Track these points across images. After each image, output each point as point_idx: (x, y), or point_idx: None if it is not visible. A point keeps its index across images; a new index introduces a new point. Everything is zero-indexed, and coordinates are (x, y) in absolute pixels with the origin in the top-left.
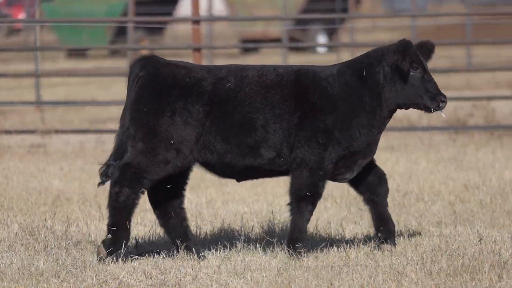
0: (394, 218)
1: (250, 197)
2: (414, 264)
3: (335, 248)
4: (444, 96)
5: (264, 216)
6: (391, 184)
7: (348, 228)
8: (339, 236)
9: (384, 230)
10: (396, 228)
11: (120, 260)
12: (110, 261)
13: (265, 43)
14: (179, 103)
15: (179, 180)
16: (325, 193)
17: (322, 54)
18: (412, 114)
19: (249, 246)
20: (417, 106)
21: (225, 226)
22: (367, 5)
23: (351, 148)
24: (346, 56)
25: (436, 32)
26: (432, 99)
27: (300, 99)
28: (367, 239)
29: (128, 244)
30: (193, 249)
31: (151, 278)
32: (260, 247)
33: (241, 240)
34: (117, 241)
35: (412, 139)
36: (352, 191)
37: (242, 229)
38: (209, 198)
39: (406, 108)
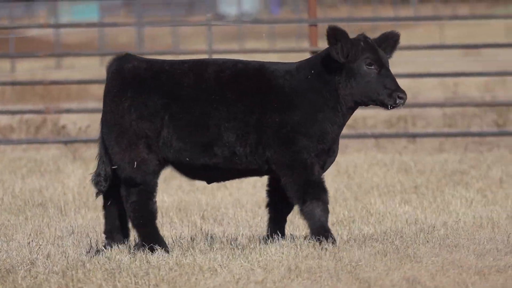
0: None
1: None
2: None
3: None
4: (402, 92)
5: None
6: None
7: None
8: None
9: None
10: None
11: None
12: None
13: None
14: (138, 98)
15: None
16: None
17: None
18: None
19: None
20: (374, 102)
21: None
22: None
23: (325, 141)
24: None
25: None
26: (389, 95)
27: (256, 98)
28: None
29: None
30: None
31: None
32: None
33: None
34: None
35: None
36: None
37: None
38: None
39: (366, 105)
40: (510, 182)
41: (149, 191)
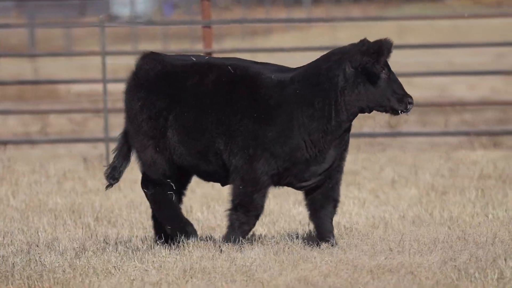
0: None
1: None
2: None
3: None
4: (411, 98)
5: None
6: None
7: None
8: None
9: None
10: None
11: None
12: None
13: None
14: (148, 99)
15: None
16: None
17: None
18: None
19: None
20: (382, 108)
21: None
22: None
23: (294, 159)
24: None
25: None
26: (399, 101)
27: (240, 105)
28: None
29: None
30: None
31: None
32: None
33: None
34: (186, 232)
35: None
36: None
37: None
38: None
39: (369, 112)
40: (402, 183)
41: (164, 185)
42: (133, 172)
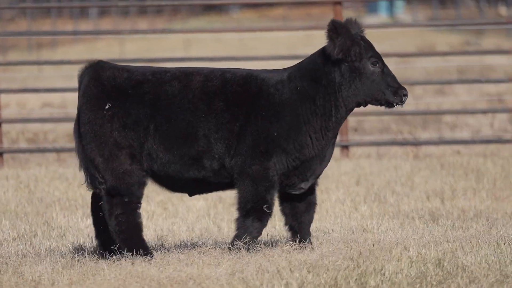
0: None
1: None
2: None
3: None
4: (405, 90)
5: None
6: None
7: None
8: None
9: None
10: None
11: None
12: None
13: None
14: (120, 107)
15: None
16: None
17: None
18: None
19: None
20: (378, 102)
21: None
22: None
23: (302, 156)
24: None
25: None
26: (394, 93)
27: (244, 106)
28: None
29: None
30: None
31: None
32: None
33: None
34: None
35: None
36: None
37: None
38: None
39: (365, 105)
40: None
41: (134, 202)
42: None
